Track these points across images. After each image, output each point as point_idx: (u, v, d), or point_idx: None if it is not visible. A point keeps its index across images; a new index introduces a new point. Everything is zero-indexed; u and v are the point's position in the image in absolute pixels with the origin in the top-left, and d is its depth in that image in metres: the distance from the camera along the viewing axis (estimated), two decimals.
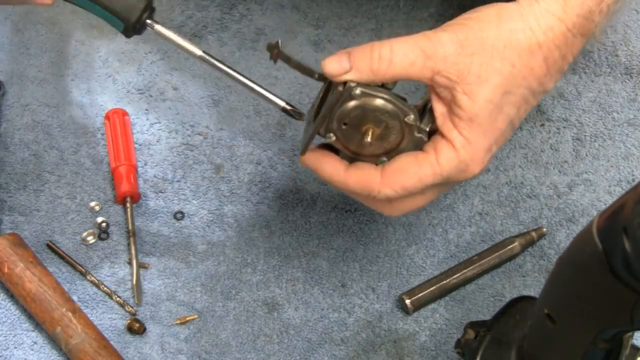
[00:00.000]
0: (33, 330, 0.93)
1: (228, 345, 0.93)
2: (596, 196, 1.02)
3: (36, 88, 1.08)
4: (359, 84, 0.77)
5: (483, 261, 0.96)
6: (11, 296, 0.95)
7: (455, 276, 0.95)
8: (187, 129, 1.06)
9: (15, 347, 0.92)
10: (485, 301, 0.95)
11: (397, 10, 1.16)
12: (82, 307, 0.93)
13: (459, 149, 0.78)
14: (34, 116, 1.06)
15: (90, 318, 0.92)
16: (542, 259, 0.98)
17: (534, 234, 0.98)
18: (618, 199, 0.62)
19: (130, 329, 0.93)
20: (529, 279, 0.97)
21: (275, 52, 0.81)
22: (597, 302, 0.66)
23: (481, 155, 0.79)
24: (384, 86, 0.79)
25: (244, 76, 0.84)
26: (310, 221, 1.00)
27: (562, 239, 0.99)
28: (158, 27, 0.84)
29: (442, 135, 0.79)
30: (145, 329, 0.93)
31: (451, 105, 0.78)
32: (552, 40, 0.78)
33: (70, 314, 0.91)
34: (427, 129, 0.80)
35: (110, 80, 1.09)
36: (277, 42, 0.81)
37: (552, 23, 0.78)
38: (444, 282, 0.95)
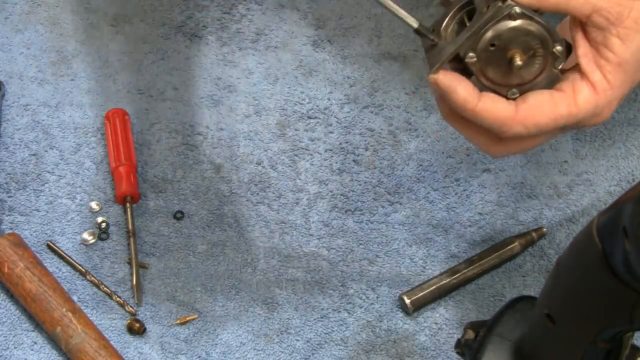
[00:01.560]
0: (33, 330, 0.93)
1: (228, 345, 0.93)
2: (596, 196, 1.02)
3: (36, 88, 1.08)
4: (518, 4, 0.74)
5: (483, 261, 0.96)
6: (11, 296, 0.94)
7: (455, 276, 0.95)
8: (187, 129, 1.06)
9: (15, 347, 0.92)
10: (485, 301, 0.95)
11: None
12: (82, 307, 0.93)
13: (599, 92, 0.76)
14: (34, 116, 1.06)
15: (90, 318, 0.92)
16: (542, 259, 0.98)
17: (534, 234, 0.98)
18: (618, 199, 0.62)
19: (130, 329, 0.93)
20: (529, 279, 0.97)
21: None
22: (597, 302, 0.66)
23: (616, 102, 0.77)
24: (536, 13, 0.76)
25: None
26: (310, 221, 1.00)
27: (562, 239, 0.99)
28: None
29: (582, 76, 0.76)
30: (145, 329, 0.93)
31: (599, 47, 0.76)
32: None
33: (70, 314, 0.91)
34: (560, 67, 0.77)
35: (110, 80, 1.09)
36: None
37: None
38: (444, 282, 0.95)
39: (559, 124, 0.77)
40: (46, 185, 1.02)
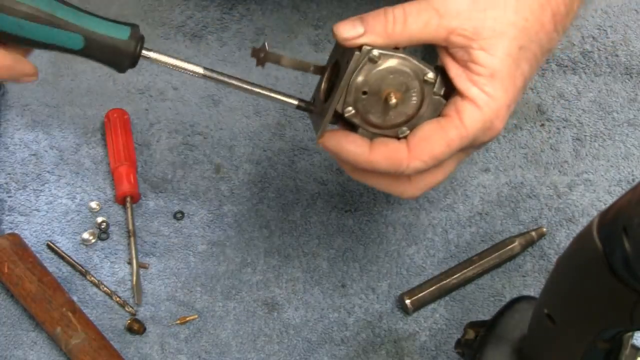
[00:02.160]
0: (33, 330, 0.93)
1: (228, 345, 0.93)
2: (596, 196, 1.02)
3: (36, 88, 1.08)
4: (374, 47, 0.75)
5: (483, 261, 0.96)
6: (11, 296, 0.94)
7: (455, 276, 0.95)
8: (187, 129, 1.06)
9: (15, 347, 0.92)
10: (485, 301, 0.95)
11: None
12: (82, 307, 0.93)
13: (482, 107, 0.76)
14: (34, 116, 1.06)
15: (90, 318, 0.92)
16: (542, 259, 0.98)
17: (534, 234, 0.98)
18: (618, 199, 0.62)
19: (130, 329, 0.93)
20: (529, 279, 0.97)
21: (263, 57, 0.79)
22: (597, 302, 0.66)
23: (504, 111, 0.77)
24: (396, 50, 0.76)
25: (251, 83, 0.82)
26: (310, 221, 1.00)
27: (562, 239, 0.99)
28: (153, 54, 0.80)
29: (462, 96, 0.76)
30: (145, 329, 0.93)
31: (468, 64, 0.76)
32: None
33: (70, 314, 0.91)
34: (442, 93, 0.78)
35: (110, 80, 1.09)
36: (263, 45, 0.79)
37: None
38: (444, 282, 0.95)
39: (453, 149, 0.77)
40: (46, 185, 1.02)
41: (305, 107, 0.81)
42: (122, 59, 0.79)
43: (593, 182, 1.02)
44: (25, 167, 1.03)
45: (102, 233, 0.99)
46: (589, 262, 0.65)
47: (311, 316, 0.94)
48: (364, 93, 0.76)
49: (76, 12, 0.79)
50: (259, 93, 0.81)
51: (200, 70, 0.81)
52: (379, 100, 0.76)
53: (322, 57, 1.11)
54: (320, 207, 1.01)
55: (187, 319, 0.94)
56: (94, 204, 1.01)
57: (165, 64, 0.80)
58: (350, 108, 0.76)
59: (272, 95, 0.81)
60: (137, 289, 0.95)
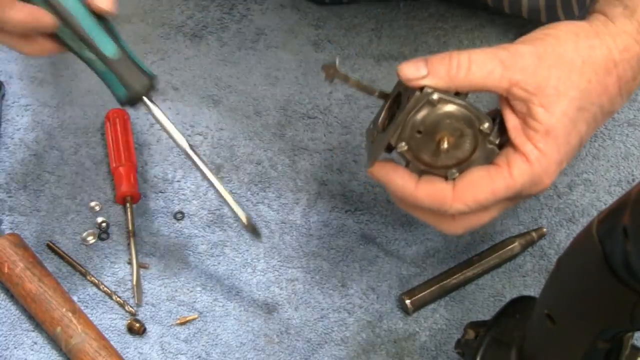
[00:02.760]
0: (33, 330, 0.93)
1: (228, 345, 0.93)
2: (596, 196, 1.02)
3: (36, 88, 1.08)
4: (435, 90, 0.76)
5: (483, 261, 0.96)
6: (11, 296, 0.95)
7: (455, 276, 0.95)
8: (187, 129, 1.06)
9: (15, 347, 0.92)
10: (485, 301, 0.95)
11: (397, 10, 1.16)
12: (82, 307, 0.93)
13: (533, 162, 0.77)
14: (34, 116, 1.06)
15: (90, 318, 0.92)
16: (542, 259, 0.98)
17: (534, 234, 0.98)
18: (618, 199, 0.62)
19: (130, 329, 0.93)
20: (529, 279, 0.97)
21: (332, 72, 0.82)
22: (597, 303, 0.66)
23: (553, 168, 0.78)
24: (457, 95, 0.78)
25: (217, 184, 0.86)
26: (310, 221, 1.00)
27: (562, 239, 0.99)
28: (153, 108, 0.85)
29: (515, 149, 0.78)
30: (145, 329, 0.93)
31: (526, 118, 0.77)
32: (627, 60, 0.78)
33: (70, 314, 0.91)
34: (497, 142, 0.79)
35: None
36: (335, 63, 0.81)
37: (628, 43, 0.77)
38: (444, 282, 0.95)
39: (498, 198, 0.79)
40: (46, 185, 1.02)
41: (251, 230, 0.88)
42: (137, 86, 0.83)
43: (593, 182, 1.02)
44: (25, 167, 1.03)
45: (102, 233, 0.99)
46: (589, 262, 0.65)
47: (311, 316, 0.94)
48: (419, 132, 0.78)
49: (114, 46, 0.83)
50: (220, 196, 0.86)
51: (184, 144, 0.87)
52: (432, 141, 0.78)
53: (322, 57, 1.11)
54: (320, 207, 1.01)
55: (187, 319, 0.94)
56: (94, 204, 1.01)
57: (158, 120, 0.86)
58: (403, 144, 0.78)
59: (230, 203, 0.87)
60: (137, 289, 0.95)
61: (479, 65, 0.76)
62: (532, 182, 0.78)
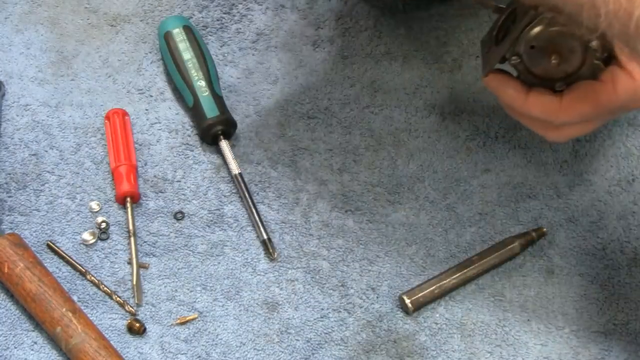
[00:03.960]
0: (33, 330, 0.93)
1: (228, 345, 0.93)
2: (596, 196, 1.02)
3: (36, 88, 1.08)
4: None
5: (483, 261, 0.96)
6: (11, 296, 0.94)
7: (455, 276, 0.95)
8: (187, 129, 1.06)
9: (15, 347, 0.92)
10: (485, 301, 0.95)
11: (397, 10, 1.16)
12: (82, 307, 0.93)
13: (637, 79, 0.82)
14: (34, 116, 1.06)
15: (90, 318, 0.92)
16: (542, 259, 0.98)
17: (534, 234, 0.98)
18: None
19: (130, 329, 0.93)
20: (529, 279, 0.97)
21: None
22: None
23: None
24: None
25: (255, 211, 0.99)
26: (310, 221, 1.00)
27: (562, 239, 0.99)
28: (223, 144, 1.03)
29: (620, 66, 0.83)
30: (145, 329, 0.93)
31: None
32: None
33: (70, 314, 0.91)
34: (603, 58, 0.84)
35: (110, 80, 1.09)
36: None
37: None
38: (444, 282, 0.95)
39: (601, 111, 0.85)
40: (46, 185, 1.02)
41: (268, 247, 0.97)
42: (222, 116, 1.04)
43: (593, 182, 1.02)
44: (25, 167, 1.03)
45: (102, 233, 0.99)
46: None
47: (311, 316, 0.94)
48: (532, 47, 0.84)
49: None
50: (254, 219, 0.99)
51: (235, 171, 1.02)
52: (543, 55, 0.84)
53: (322, 57, 1.11)
54: (320, 207, 1.01)
55: (187, 319, 0.94)
56: (94, 204, 1.01)
57: (224, 156, 1.02)
58: (515, 57, 0.85)
59: (258, 222, 0.99)
60: (137, 289, 0.95)
61: None
62: (634, 98, 0.83)
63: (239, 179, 1.00)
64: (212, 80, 1.05)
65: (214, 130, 1.02)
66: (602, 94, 0.84)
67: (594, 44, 0.83)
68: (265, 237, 0.97)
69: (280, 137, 1.06)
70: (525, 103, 0.86)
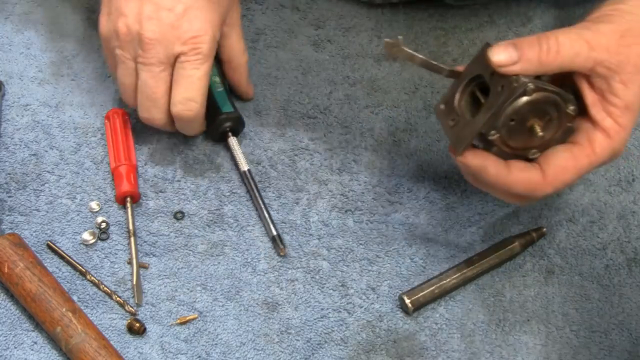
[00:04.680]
0: (33, 330, 0.93)
1: (228, 345, 0.93)
2: (596, 196, 1.02)
3: (36, 88, 1.08)
4: (530, 80, 0.79)
5: (483, 261, 0.96)
6: (11, 296, 0.94)
7: (455, 276, 0.95)
8: None
9: (15, 347, 0.92)
10: (485, 301, 0.95)
11: (397, 10, 1.16)
12: (82, 307, 0.93)
13: (613, 136, 0.81)
14: (34, 116, 1.06)
15: (90, 318, 0.92)
16: (542, 259, 0.98)
17: (534, 234, 0.98)
18: None
19: (130, 329, 0.93)
20: (529, 279, 0.97)
21: (395, 50, 0.83)
22: None
23: (627, 138, 0.83)
24: (539, 78, 0.81)
25: (264, 208, 0.99)
26: (310, 221, 1.00)
27: (562, 239, 0.99)
28: (232, 140, 1.03)
29: (595, 125, 0.82)
30: (145, 329, 0.93)
31: (605, 94, 0.81)
32: None
33: (70, 314, 0.91)
34: (575, 120, 0.83)
35: (110, 80, 1.09)
36: (397, 40, 0.83)
37: None
38: (444, 282, 0.95)
39: (582, 175, 0.84)
40: (46, 185, 1.02)
41: (278, 243, 0.96)
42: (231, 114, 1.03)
43: (593, 182, 1.02)
44: (25, 167, 1.03)
45: (102, 233, 0.99)
46: None
47: (311, 316, 0.94)
48: (511, 120, 0.81)
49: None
50: (262, 214, 1.00)
51: (244, 168, 1.01)
52: (523, 127, 0.82)
53: (322, 57, 1.11)
54: (320, 207, 1.01)
55: (187, 319, 0.94)
56: (94, 204, 1.01)
57: (232, 150, 1.02)
58: (494, 132, 0.82)
59: (267, 216, 0.99)
60: (137, 289, 0.95)
61: (567, 48, 0.79)
62: (612, 155, 0.83)
63: (248, 175, 1.00)
64: (224, 77, 1.05)
65: (225, 125, 1.02)
66: (582, 159, 0.82)
67: (572, 108, 0.81)
68: (274, 233, 0.97)
69: (280, 137, 1.06)
70: (507, 180, 0.83)
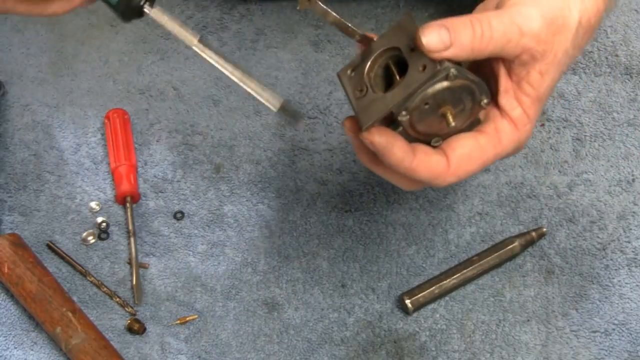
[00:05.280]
0: (33, 330, 0.93)
1: (228, 345, 0.93)
2: (596, 196, 1.02)
3: (36, 88, 1.08)
4: (453, 65, 0.74)
5: (483, 261, 0.96)
6: (11, 296, 0.95)
7: (455, 276, 0.95)
8: (187, 129, 1.06)
9: (15, 347, 0.92)
10: (485, 301, 0.95)
11: (397, 10, 1.16)
12: (82, 307, 0.93)
13: (520, 127, 0.78)
14: (34, 116, 1.06)
15: (90, 318, 0.92)
16: (542, 259, 0.98)
17: (534, 234, 0.98)
18: None
19: (130, 329, 0.93)
20: (529, 279, 0.97)
21: (309, 3, 0.77)
22: None
23: (531, 131, 0.80)
24: (460, 63, 0.76)
25: (240, 73, 0.79)
26: (310, 221, 1.00)
27: (562, 239, 0.99)
28: (155, 11, 0.78)
29: (502, 113, 0.78)
30: (145, 329, 0.93)
31: (521, 82, 0.77)
32: (597, 21, 0.79)
33: (70, 314, 0.91)
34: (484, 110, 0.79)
35: (110, 80, 1.09)
36: None
37: (599, 4, 0.78)
38: (444, 282, 0.95)
39: (487, 165, 0.79)
40: (46, 185, 1.02)
41: (289, 114, 0.80)
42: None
43: (593, 182, 1.02)
44: (25, 167, 1.03)
45: (102, 233, 0.99)
46: None
47: (311, 316, 0.94)
48: (426, 104, 0.76)
49: None
50: (245, 87, 0.79)
51: (194, 41, 0.78)
52: (434, 113, 0.77)
53: (322, 57, 1.11)
54: (320, 207, 1.01)
55: (187, 319, 0.94)
56: (94, 204, 1.01)
57: (163, 24, 0.78)
58: (405, 112, 0.76)
59: (256, 93, 0.79)
60: (137, 289, 0.95)
61: (500, 34, 0.74)
62: (517, 147, 0.79)
63: (204, 44, 0.78)
64: None
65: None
66: (489, 150, 0.78)
67: (485, 101, 0.77)
68: (280, 103, 0.80)
69: (280, 137, 1.06)
70: (412, 165, 0.77)
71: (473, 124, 0.79)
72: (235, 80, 0.79)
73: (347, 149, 1.05)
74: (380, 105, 0.76)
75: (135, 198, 1.00)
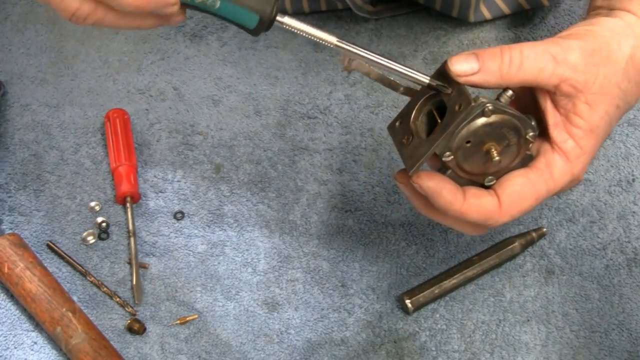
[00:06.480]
0: (33, 330, 0.93)
1: (228, 345, 0.93)
2: (596, 196, 1.02)
3: (36, 88, 1.08)
4: (490, 101, 0.75)
5: (483, 261, 0.96)
6: (11, 296, 0.95)
7: (455, 276, 0.95)
8: (187, 129, 1.06)
9: (15, 347, 0.92)
10: (485, 301, 0.95)
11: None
12: (82, 307, 0.93)
13: (573, 160, 0.77)
14: (34, 116, 1.06)
15: (90, 318, 0.92)
16: (542, 259, 0.98)
17: (534, 234, 0.98)
18: None
19: (130, 329, 0.93)
20: (529, 279, 0.97)
21: (353, 63, 0.78)
22: None
23: (587, 164, 0.79)
24: (499, 98, 0.76)
25: (384, 58, 0.78)
26: (310, 221, 1.00)
27: (562, 239, 0.99)
28: (287, 19, 0.78)
29: (553, 147, 0.77)
30: (145, 329, 0.93)
31: (569, 115, 0.77)
32: None
33: (70, 314, 0.91)
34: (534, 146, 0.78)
35: (110, 80, 1.09)
36: (356, 54, 0.78)
37: None
38: (444, 282, 0.95)
39: (540, 202, 0.78)
40: (46, 185, 1.02)
41: (437, 88, 0.78)
42: (263, 5, 0.77)
43: (593, 182, 1.02)
44: (25, 167, 1.03)
45: (102, 233, 0.99)
46: None
47: (311, 316, 0.94)
48: (467, 142, 0.76)
49: None
50: (389, 68, 0.78)
51: (333, 40, 0.79)
52: (479, 150, 0.77)
53: (322, 57, 1.11)
54: (320, 207, 1.01)
55: (187, 319, 0.94)
56: (94, 204, 1.01)
57: (298, 30, 0.79)
58: (449, 153, 0.76)
59: (405, 71, 0.78)
60: (137, 289, 0.95)
61: (532, 62, 0.75)
62: (572, 180, 0.78)
63: (344, 44, 0.80)
64: None
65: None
66: (540, 185, 0.77)
67: (531, 134, 0.76)
68: (426, 80, 0.78)
69: (280, 137, 1.06)
70: (462, 208, 0.77)
71: (525, 160, 0.78)
72: (387, 64, 0.78)
73: (347, 148, 1.05)
74: (422, 149, 0.77)
75: (135, 198, 1.00)
